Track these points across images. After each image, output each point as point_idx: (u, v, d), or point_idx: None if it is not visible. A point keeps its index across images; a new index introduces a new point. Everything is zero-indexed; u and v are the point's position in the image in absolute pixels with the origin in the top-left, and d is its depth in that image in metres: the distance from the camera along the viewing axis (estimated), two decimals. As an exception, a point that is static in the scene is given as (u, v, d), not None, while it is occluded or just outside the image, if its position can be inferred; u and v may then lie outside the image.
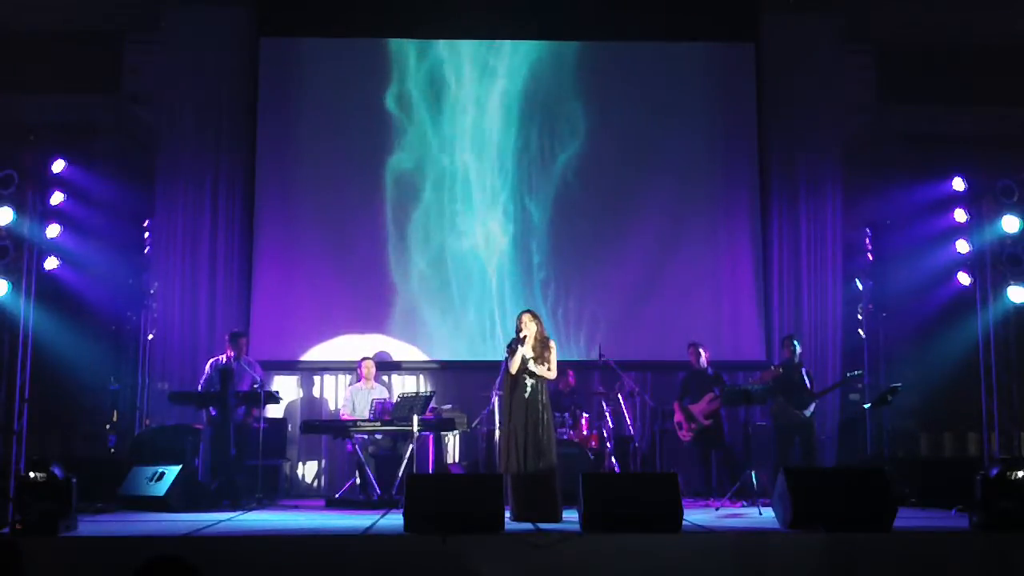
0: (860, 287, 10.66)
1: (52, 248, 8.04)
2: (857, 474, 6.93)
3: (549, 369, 7.32)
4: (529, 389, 7.24)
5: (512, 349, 7.30)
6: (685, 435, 9.36)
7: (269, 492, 9.01)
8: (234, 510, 8.03)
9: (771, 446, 9.18)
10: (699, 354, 9.46)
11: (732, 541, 6.07)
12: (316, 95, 10.77)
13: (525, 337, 7.29)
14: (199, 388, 9.11)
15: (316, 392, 10.64)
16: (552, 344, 7.39)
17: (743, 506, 8.25)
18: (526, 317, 7.41)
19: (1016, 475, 6.24)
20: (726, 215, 10.79)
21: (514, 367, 7.24)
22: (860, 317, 10.60)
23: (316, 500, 9.48)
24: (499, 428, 9.21)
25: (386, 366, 10.29)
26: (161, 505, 7.89)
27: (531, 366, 7.25)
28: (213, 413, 8.83)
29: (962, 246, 8.70)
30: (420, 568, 5.66)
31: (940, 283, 9.42)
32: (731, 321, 10.59)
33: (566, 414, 9.26)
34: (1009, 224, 7.99)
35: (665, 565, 5.74)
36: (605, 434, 9.26)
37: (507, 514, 6.55)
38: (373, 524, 6.85)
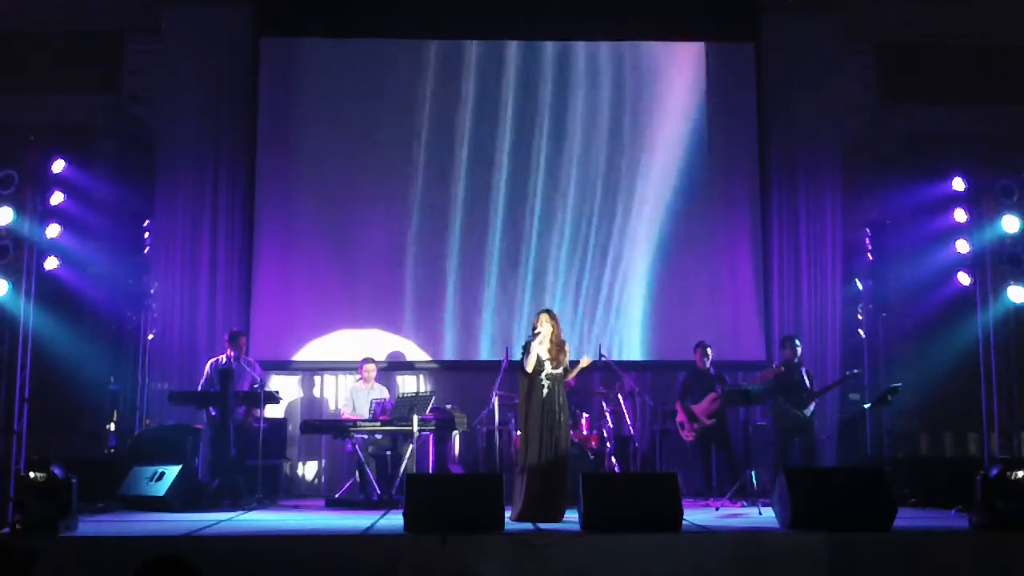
0: (860, 287, 10.65)
1: (52, 248, 8.01)
2: (857, 474, 6.92)
3: (567, 371, 7.35)
4: (546, 390, 7.23)
5: (527, 348, 7.28)
6: (688, 435, 9.36)
7: (269, 492, 9.00)
8: (234, 510, 8.03)
9: (771, 446, 9.18)
10: (706, 354, 9.45)
11: (732, 541, 6.07)
12: (316, 95, 10.77)
13: (539, 334, 7.29)
14: (199, 388, 9.12)
15: (316, 392, 10.64)
16: (567, 348, 7.40)
17: (743, 506, 8.25)
18: (544, 316, 7.39)
19: (1016, 475, 6.25)
20: (726, 215, 10.79)
21: (530, 366, 7.22)
22: (860, 317, 10.59)
23: (316, 500, 9.48)
24: (499, 427, 9.26)
25: (386, 366, 10.28)
26: (161, 505, 7.89)
27: (548, 368, 7.25)
28: (213, 413, 8.84)
29: (962, 246, 8.67)
30: (420, 568, 5.66)
31: (940, 283, 9.40)
32: (731, 321, 10.59)
33: (565, 414, 9.25)
34: (1009, 224, 7.96)
35: (665, 565, 5.75)
36: (605, 434, 9.26)
37: (507, 514, 6.54)
38: (373, 524, 6.86)
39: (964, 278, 8.71)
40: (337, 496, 9.03)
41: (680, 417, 9.41)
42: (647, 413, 10.16)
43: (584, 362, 7.55)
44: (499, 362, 9.53)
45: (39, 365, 7.71)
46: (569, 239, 10.67)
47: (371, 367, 9.57)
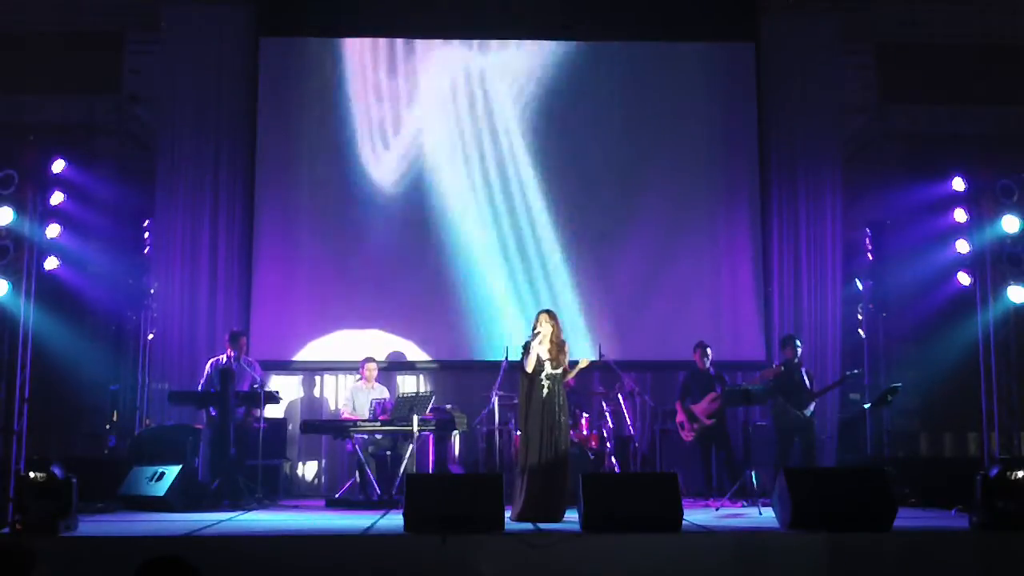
0: (860, 287, 10.66)
1: (52, 248, 8.02)
2: (857, 474, 6.92)
3: (567, 371, 7.36)
4: (546, 391, 7.23)
5: (527, 348, 7.28)
6: (687, 435, 9.36)
7: (269, 492, 9.01)
8: (234, 510, 8.03)
9: (771, 446, 9.18)
10: (706, 354, 9.45)
11: (732, 541, 6.07)
12: (316, 95, 10.77)
13: (539, 334, 7.29)
14: (199, 388, 9.12)
15: (316, 392, 10.63)
16: (567, 348, 7.40)
17: (743, 506, 8.25)
18: (543, 316, 7.39)
19: (1016, 475, 6.24)
20: (726, 215, 10.79)
21: (529, 366, 7.23)
22: (860, 317, 10.60)
23: (316, 500, 9.47)
24: (499, 427, 9.26)
25: (387, 366, 10.28)
26: (161, 505, 7.89)
27: (548, 368, 7.25)
28: (213, 413, 8.84)
29: (962, 246, 8.68)
30: (420, 568, 5.67)
31: (940, 283, 9.40)
32: (731, 321, 10.58)
33: (565, 414, 9.25)
34: (1009, 224, 7.97)
35: (665, 565, 5.75)
36: (605, 434, 9.26)
37: (507, 514, 6.54)
38: (373, 524, 6.85)
39: (964, 278, 8.71)
40: (337, 496, 9.03)
41: (680, 417, 9.41)
42: (647, 413, 10.16)
43: (584, 362, 7.57)
44: (499, 362, 9.52)
45: (39, 365, 7.71)
46: (569, 238, 10.67)
47: (372, 367, 9.57)
